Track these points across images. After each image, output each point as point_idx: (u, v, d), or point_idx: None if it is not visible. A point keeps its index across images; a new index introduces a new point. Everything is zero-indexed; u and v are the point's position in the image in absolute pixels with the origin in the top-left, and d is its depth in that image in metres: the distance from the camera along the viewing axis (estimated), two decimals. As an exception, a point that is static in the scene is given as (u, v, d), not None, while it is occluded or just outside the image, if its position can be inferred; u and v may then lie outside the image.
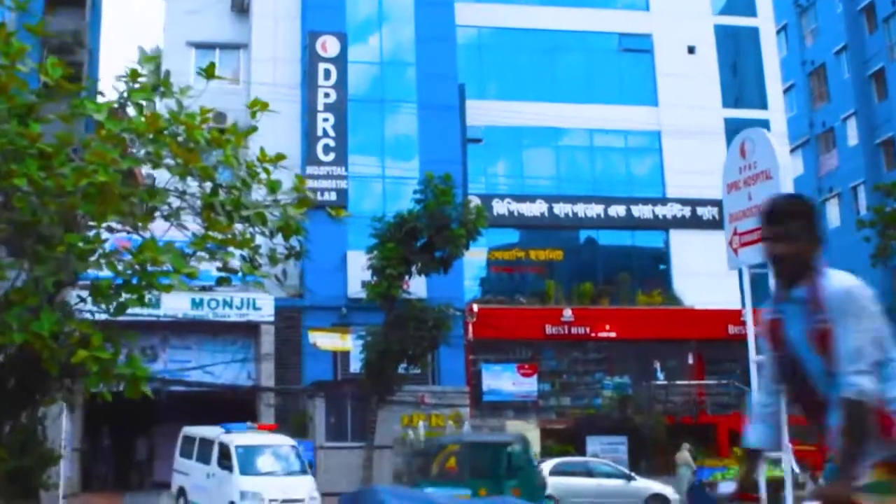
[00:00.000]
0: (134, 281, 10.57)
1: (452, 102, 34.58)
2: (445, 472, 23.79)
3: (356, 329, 31.39)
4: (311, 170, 33.02)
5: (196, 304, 30.67)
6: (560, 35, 37.93)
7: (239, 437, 24.27)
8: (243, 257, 12.09)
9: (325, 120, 33.52)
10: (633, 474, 26.96)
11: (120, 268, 10.71)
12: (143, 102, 11.29)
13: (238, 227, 11.89)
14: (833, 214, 50.03)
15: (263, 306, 31.10)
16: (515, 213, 35.74)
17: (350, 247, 32.08)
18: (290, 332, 31.18)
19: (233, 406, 32.78)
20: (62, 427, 27.30)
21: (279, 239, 12.16)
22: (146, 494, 31.12)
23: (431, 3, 35.40)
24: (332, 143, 33.38)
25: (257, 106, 12.96)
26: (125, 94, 11.14)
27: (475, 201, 33.18)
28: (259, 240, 12.17)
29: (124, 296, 10.55)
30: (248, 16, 35.51)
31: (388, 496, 10.69)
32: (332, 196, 33.05)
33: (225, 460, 23.53)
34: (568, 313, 33.89)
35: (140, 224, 11.20)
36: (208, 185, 11.66)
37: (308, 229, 32.39)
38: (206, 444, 24.60)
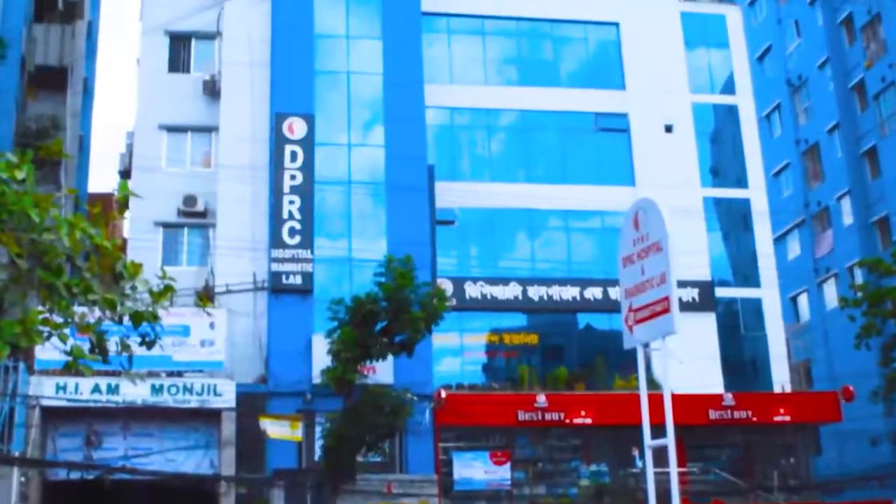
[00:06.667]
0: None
1: (422, 184, 34.12)
2: None
3: (319, 415, 30.73)
4: (276, 253, 32.60)
5: (156, 390, 30.10)
6: (535, 115, 37.60)
7: None
8: (90, 342, 11.49)
9: (291, 202, 33.11)
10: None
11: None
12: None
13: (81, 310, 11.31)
14: (830, 295, 49.03)
15: (225, 392, 30.46)
16: (489, 297, 35.01)
17: (315, 330, 31.42)
18: (252, 418, 30.37)
19: (195, 494, 31.99)
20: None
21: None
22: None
23: (401, 85, 35.18)
24: (297, 226, 32.90)
25: (125, 190, 12.38)
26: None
27: (446, 284, 32.67)
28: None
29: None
30: (219, 98, 35.26)
31: None
32: (298, 279, 32.51)
33: None
34: (542, 399, 32.91)
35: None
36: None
37: (274, 313, 31.93)
38: None
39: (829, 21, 50.90)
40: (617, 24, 39.25)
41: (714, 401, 33.85)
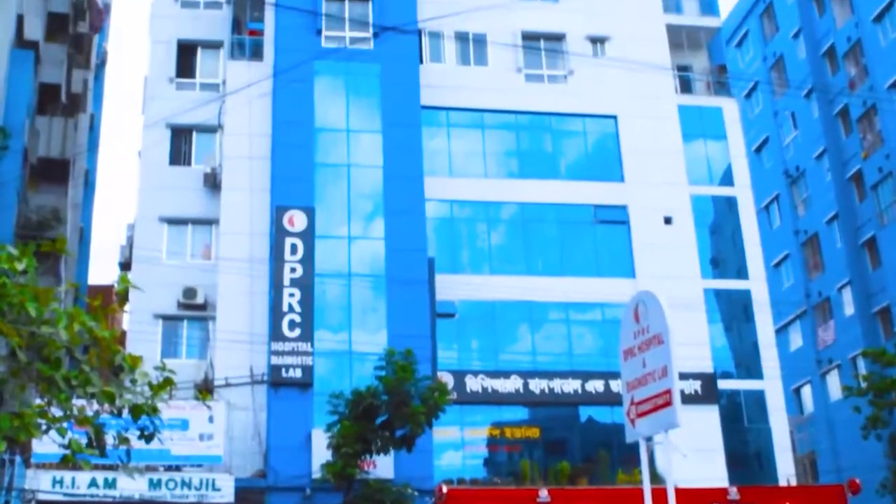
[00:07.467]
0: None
1: (422, 276, 34.07)
2: None
3: (318, 511, 30.32)
4: (276, 346, 32.41)
5: (154, 485, 29.73)
6: (534, 207, 37.61)
7: None
8: (87, 435, 11.35)
9: (292, 295, 33.03)
10: None
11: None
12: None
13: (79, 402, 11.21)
14: (834, 387, 48.73)
15: (223, 487, 30.04)
16: (489, 390, 34.71)
17: (315, 424, 31.13)
18: (251, 514, 29.98)
19: None
20: None
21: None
22: None
23: (401, 178, 35.35)
24: (297, 319, 32.78)
25: (125, 282, 12.40)
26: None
27: (446, 378, 32.49)
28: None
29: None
30: (220, 191, 35.37)
31: None
32: (298, 373, 32.27)
33: None
34: (544, 494, 32.33)
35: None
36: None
37: (273, 406, 31.59)
38: None
39: (825, 113, 51.42)
40: (615, 118, 39.50)
41: (719, 495, 33.30)
